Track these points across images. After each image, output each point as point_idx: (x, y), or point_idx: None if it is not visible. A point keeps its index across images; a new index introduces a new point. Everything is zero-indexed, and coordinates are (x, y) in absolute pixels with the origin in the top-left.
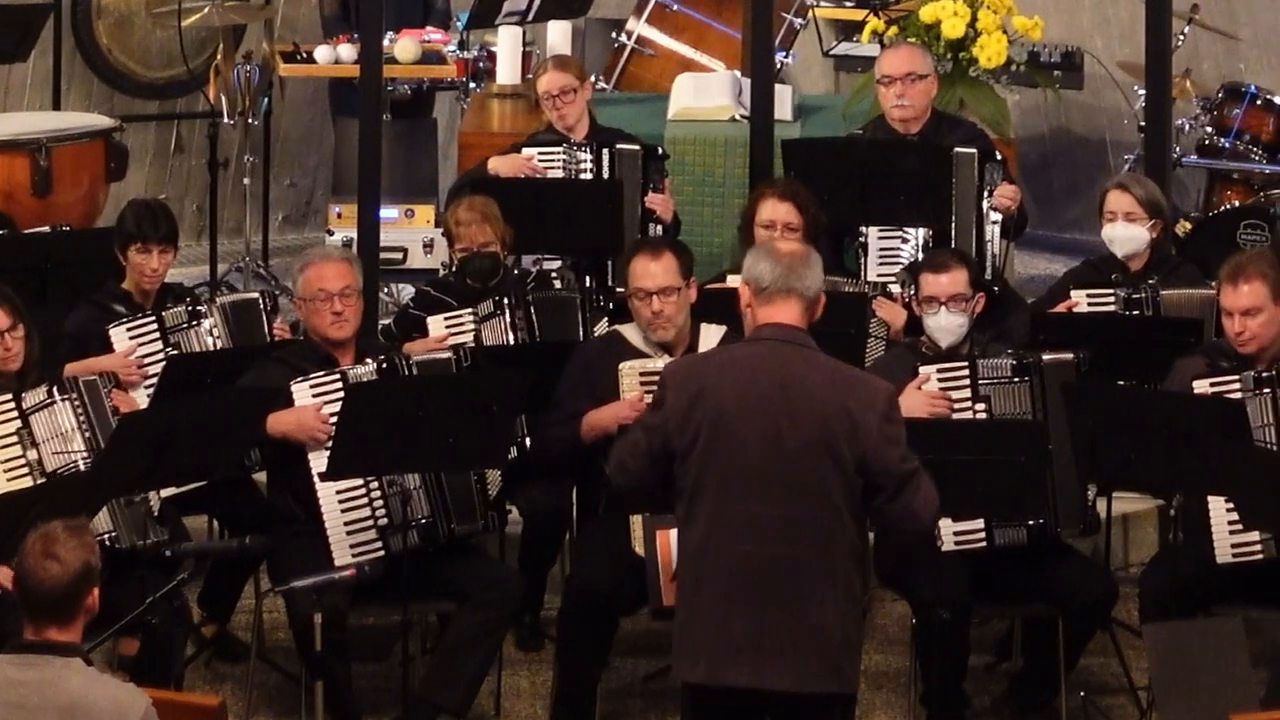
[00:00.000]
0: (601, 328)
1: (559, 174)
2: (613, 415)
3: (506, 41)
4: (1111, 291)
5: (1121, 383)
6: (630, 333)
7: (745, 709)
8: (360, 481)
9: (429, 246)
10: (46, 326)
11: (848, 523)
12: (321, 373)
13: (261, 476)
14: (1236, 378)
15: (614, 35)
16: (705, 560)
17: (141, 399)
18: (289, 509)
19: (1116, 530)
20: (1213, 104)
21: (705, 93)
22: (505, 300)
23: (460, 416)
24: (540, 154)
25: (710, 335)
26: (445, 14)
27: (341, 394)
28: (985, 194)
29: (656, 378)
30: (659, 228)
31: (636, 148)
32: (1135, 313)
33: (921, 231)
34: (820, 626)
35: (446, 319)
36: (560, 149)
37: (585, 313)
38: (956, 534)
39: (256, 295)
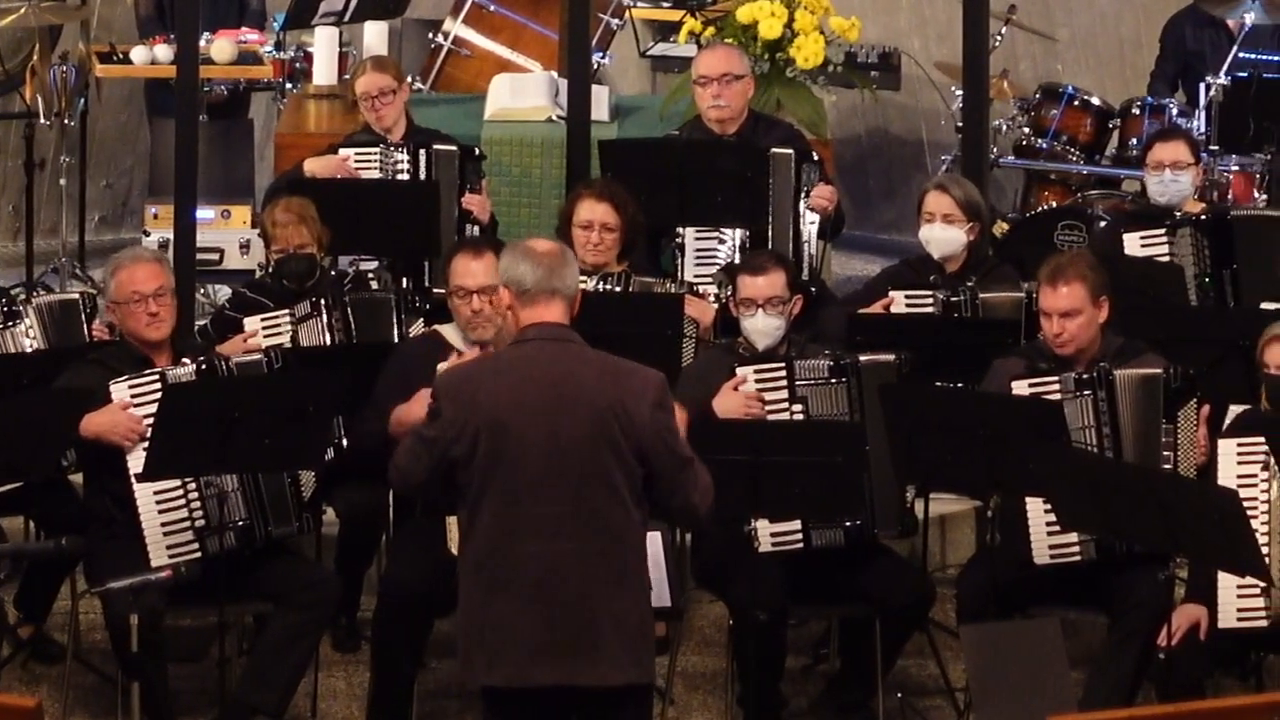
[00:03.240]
0: (418, 328)
1: (375, 175)
2: (419, 412)
3: (323, 42)
4: (930, 293)
5: (939, 384)
6: (450, 332)
7: (547, 707)
8: (177, 482)
9: (245, 247)
10: None
11: (633, 513)
12: (140, 373)
13: (78, 477)
14: (1055, 379)
15: (430, 36)
16: (495, 564)
17: None
18: (106, 510)
19: (934, 531)
20: (1030, 105)
21: (522, 93)
22: (321, 301)
23: (276, 418)
24: (357, 155)
25: None
26: (261, 14)
27: (160, 394)
28: (802, 195)
29: None
30: (476, 228)
31: (453, 148)
32: (954, 314)
33: (738, 232)
34: (617, 617)
35: (263, 320)
36: (377, 150)
37: (401, 314)
38: (774, 535)
39: (76, 296)
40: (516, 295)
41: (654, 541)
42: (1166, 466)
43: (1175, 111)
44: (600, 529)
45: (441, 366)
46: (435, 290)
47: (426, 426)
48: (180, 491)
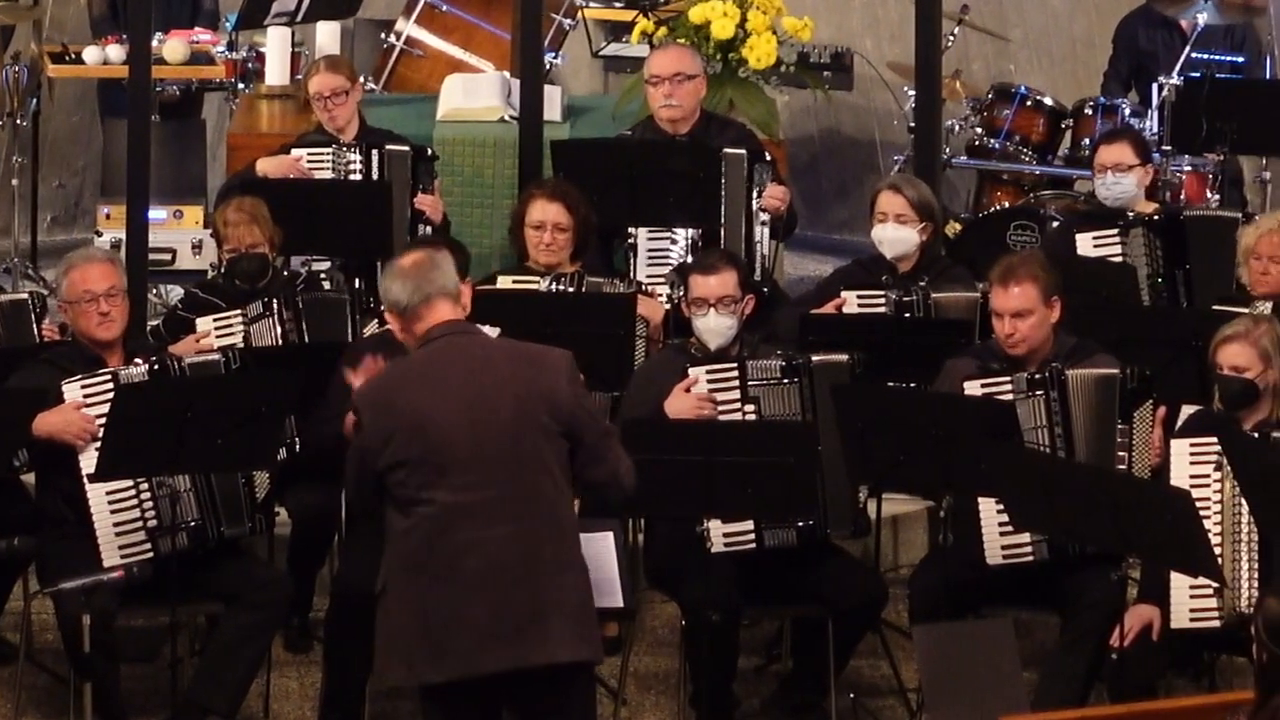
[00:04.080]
0: (372, 329)
1: (328, 175)
2: None
3: (275, 42)
4: (882, 293)
5: (891, 384)
6: None
7: (493, 694)
8: (129, 483)
9: (198, 248)
10: None
11: (566, 491)
12: (92, 373)
13: (30, 478)
14: (1008, 379)
15: (383, 36)
16: (432, 559)
17: None
18: (58, 510)
19: (886, 532)
20: (982, 105)
21: (474, 93)
22: (274, 301)
23: (229, 418)
24: (309, 155)
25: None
26: (214, 15)
27: (112, 394)
28: (754, 195)
29: None
30: (428, 229)
31: (406, 149)
32: (906, 314)
33: (690, 232)
34: (559, 595)
35: (215, 320)
36: (329, 150)
37: (355, 314)
38: (726, 535)
39: (26, 296)
40: (400, 316)
41: (606, 541)
42: (1121, 467)
43: (1128, 112)
44: (535, 510)
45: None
46: None
47: (356, 439)
48: (132, 492)
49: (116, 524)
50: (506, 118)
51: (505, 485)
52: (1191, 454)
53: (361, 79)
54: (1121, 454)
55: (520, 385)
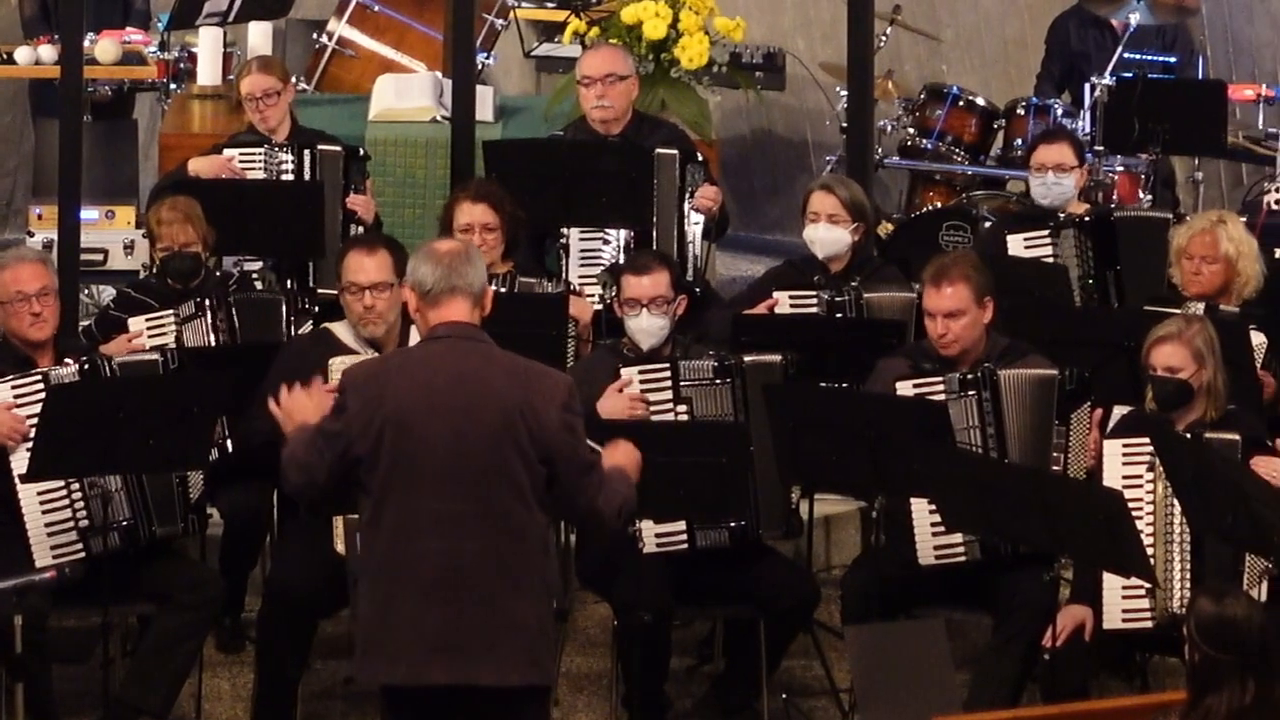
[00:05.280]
0: (306, 330)
1: (260, 175)
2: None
3: (207, 42)
4: (814, 293)
5: (823, 384)
6: (340, 330)
7: (444, 707)
8: (61, 483)
9: (130, 248)
10: None
11: (537, 514)
12: (23, 373)
13: None
14: (940, 379)
15: (315, 36)
16: (396, 560)
17: None
18: None
19: (819, 532)
20: (915, 105)
21: (406, 94)
22: (206, 301)
23: (161, 418)
24: (241, 155)
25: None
26: (145, 15)
27: (43, 395)
28: (686, 195)
29: None
30: (360, 229)
31: (338, 149)
32: (838, 314)
33: (623, 233)
34: (518, 618)
35: (147, 320)
36: (261, 150)
37: (291, 315)
38: (658, 536)
39: None
40: (420, 297)
41: None
42: (1057, 469)
43: (1060, 112)
44: (503, 529)
45: (333, 362)
46: (320, 291)
47: (330, 421)
48: (64, 492)
49: (48, 524)
50: (438, 118)
51: (476, 500)
52: (1124, 455)
53: (293, 79)
54: (1058, 455)
55: (508, 402)
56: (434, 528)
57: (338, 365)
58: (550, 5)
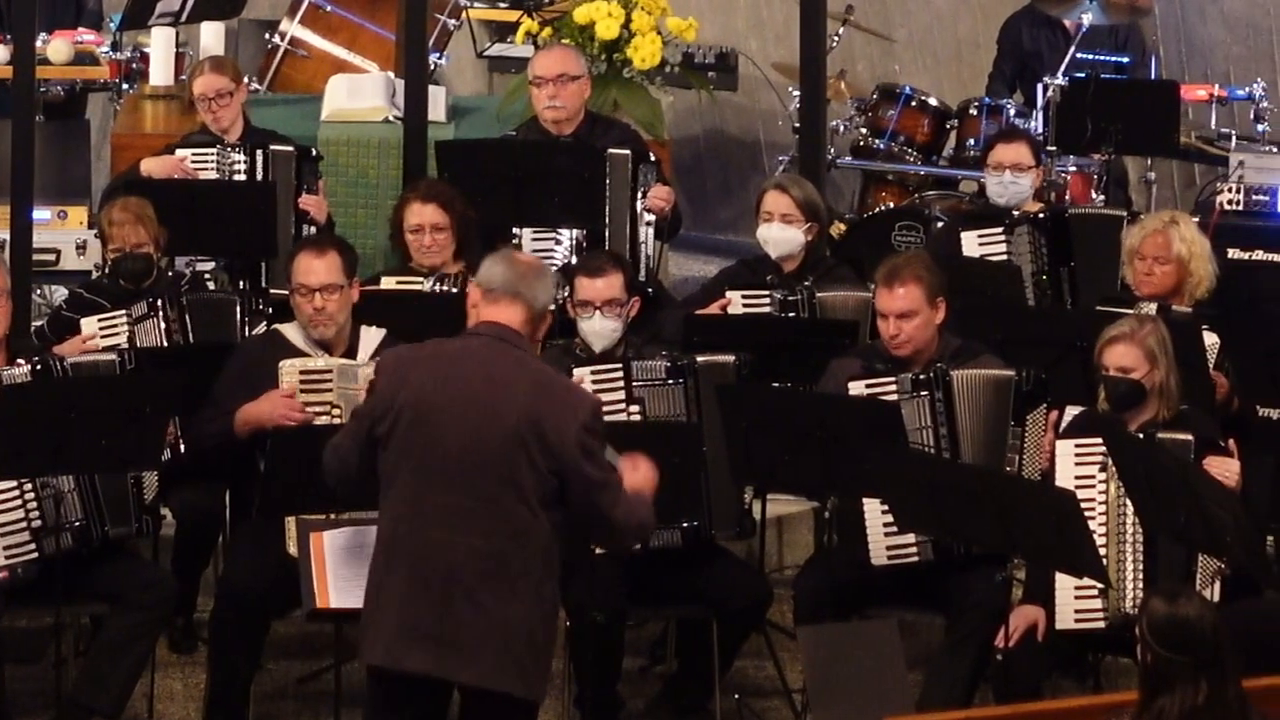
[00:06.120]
0: (260, 330)
1: (212, 175)
2: (268, 410)
3: (159, 43)
4: (767, 293)
5: (776, 384)
6: (290, 331)
7: (424, 698)
8: (13, 483)
9: (82, 248)
10: None
11: (542, 522)
12: None
13: None
14: (892, 380)
15: (267, 36)
16: (397, 545)
17: None
18: None
19: (771, 532)
20: (867, 105)
21: (358, 94)
22: (159, 302)
23: (113, 418)
24: (193, 155)
25: (370, 337)
26: (98, 15)
27: None
28: (639, 195)
29: (315, 376)
30: (312, 229)
31: (290, 149)
32: (791, 314)
33: (575, 233)
34: (506, 622)
35: (100, 320)
36: (213, 150)
37: (245, 315)
38: None
39: None
40: (483, 294)
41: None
42: (1012, 470)
43: (1013, 112)
44: (503, 530)
45: (283, 364)
46: (273, 291)
47: (365, 402)
48: (16, 492)
49: (0, 525)
50: (391, 118)
51: (481, 498)
52: (1077, 455)
53: (246, 79)
54: (1013, 457)
55: (527, 411)
56: (435, 519)
57: (288, 367)
58: (503, 5)
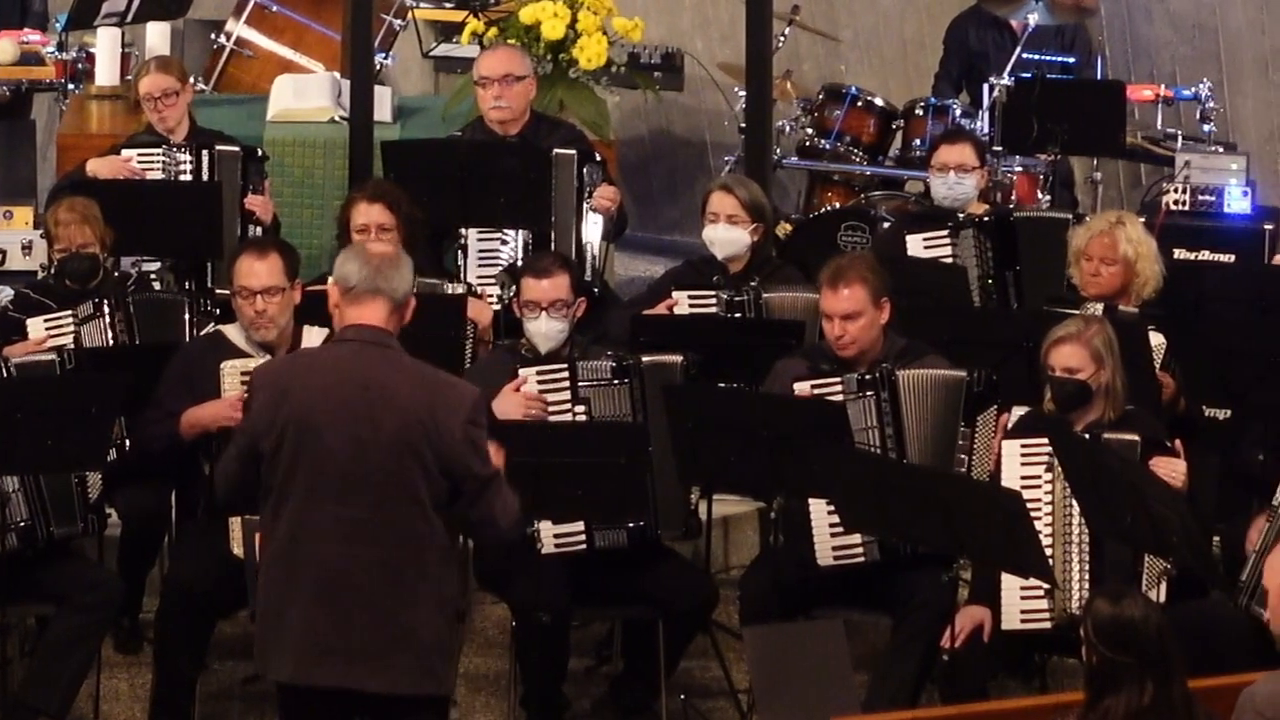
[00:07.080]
0: (208, 330)
1: (158, 176)
2: (212, 413)
3: (105, 43)
4: (713, 293)
5: (722, 384)
6: (233, 332)
7: (338, 709)
8: None
9: (28, 248)
10: None
11: (436, 525)
12: None
13: None
14: (838, 380)
15: (213, 37)
16: (292, 561)
17: None
18: None
19: (717, 533)
20: (813, 105)
21: (304, 94)
22: (105, 302)
23: (58, 418)
24: (139, 155)
25: (313, 337)
26: (43, 15)
27: None
28: (585, 195)
29: None
30: (258, 230)
31: (236, 149)
32: (737, 315)
33: (521, 233)
34: (411, 628)
35: (46, 321)
36: (159, 150)
37: (194, 316)
38: (556, 536)
39: None
40: (342, 293)
41: None
42: (961, 470)
43: (959, 112)
44: (399, 538)
45: (225, 365)
46: (218, 291)
47: (244, 417)
48: None
49: None
50: (337, 118)
51: (374, 507)
52: (1023, 455)
53: (192, 79)
54: (962, 458)
55: (410, 412)
56: (330, 531)
57: (230, 368)
58: (448, 6)
